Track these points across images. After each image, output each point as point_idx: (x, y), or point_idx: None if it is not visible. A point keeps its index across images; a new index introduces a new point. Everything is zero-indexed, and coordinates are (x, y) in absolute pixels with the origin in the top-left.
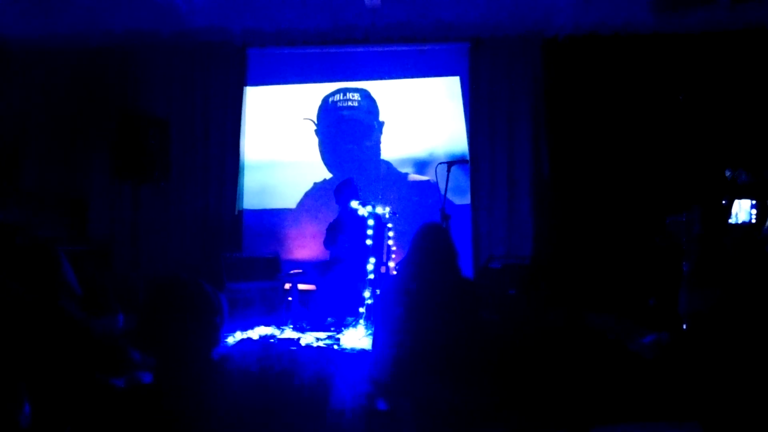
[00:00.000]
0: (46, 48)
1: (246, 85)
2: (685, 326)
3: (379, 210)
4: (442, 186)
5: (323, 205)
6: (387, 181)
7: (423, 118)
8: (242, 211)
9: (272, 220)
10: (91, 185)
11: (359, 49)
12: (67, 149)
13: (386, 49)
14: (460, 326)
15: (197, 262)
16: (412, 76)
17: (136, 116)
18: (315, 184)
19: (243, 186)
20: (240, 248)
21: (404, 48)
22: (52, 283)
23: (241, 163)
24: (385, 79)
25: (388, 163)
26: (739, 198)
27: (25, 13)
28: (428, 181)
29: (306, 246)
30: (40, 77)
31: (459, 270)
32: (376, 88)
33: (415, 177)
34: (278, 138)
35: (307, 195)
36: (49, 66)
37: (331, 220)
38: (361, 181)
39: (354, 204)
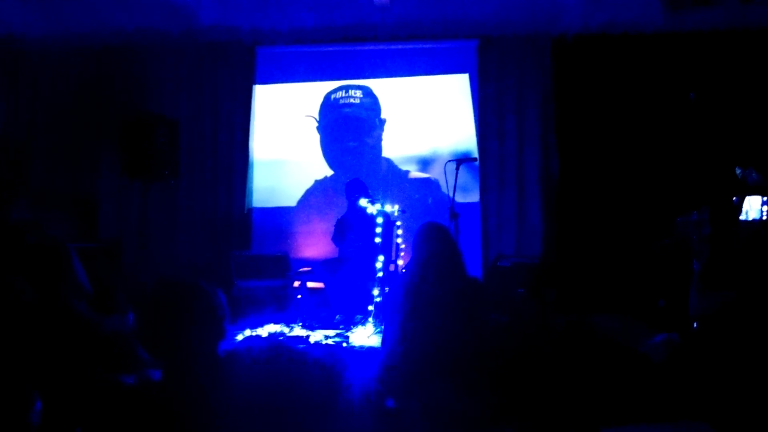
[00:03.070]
0: (55, 47)
1: (255, 84)
2: (695, 327)
3: (387, 208)
4: (450, 184)
5: (328, 203)
6: (388, 178)
7: (430, 116)
8: (251, 210)
9: (281, 218)
10: (101, 184)
11: (368, 47)
12: (76, 148)
13: (395, 46)
14: (467, 327)
15: (206, 260)
16: (421, 74)
17: (146, 115)
18: (316, 181)
19: (252, 184)
20: (249, 246)
21: (413, 45)
22: (62, 282)
23: (250, 161)
24: (393, 76)
25: (389, 161)
26: (752, 194)
27: (34, 12)
28: (429, 178)
29: (314, 244)
30: (50, 76)
31: (464, 269)
32: (385, 85)
33: (416, 174)
34: (287, 136)
35: (308, 192)
36: (58, 65)
37: (339, 217)
38: (362, 178)
39: (363, 202)
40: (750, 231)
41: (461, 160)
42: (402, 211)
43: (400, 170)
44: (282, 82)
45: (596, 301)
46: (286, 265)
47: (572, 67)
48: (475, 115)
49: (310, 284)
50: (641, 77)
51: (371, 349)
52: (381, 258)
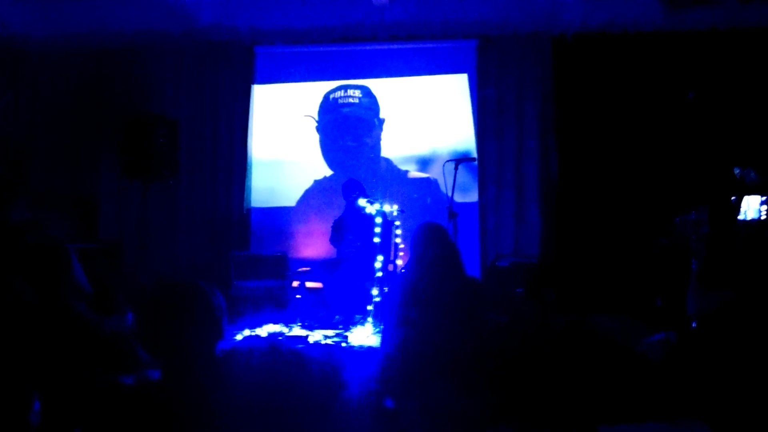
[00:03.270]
0: (56, 48)
1: (254, 84)
2: (693, 326)
3: (386, 208)
4: (449, 184)
5: (327, 203)
6: (387, 178)
7: (429, 116)
8: (250, 210)
9: (280, 218)
10: (101, 184)
11: (367, 47)
12: (76, 148)
13: (394, 46)
14: (466, 326)
15: (206, 260)
16: (420, 74)
17: (145, 115)
18: (315, 181)
19: (251, 184)
20: (248, 246)
21: (412, 46)
22: (62, 282)
23: (249, 161)
24: (392, 76)
25: (388, 160)
26: (750, 194)
27: (34, 13)
28: (428, 178)
29: (313, 244)
30: (50, 77)
31: (463, 269)
32: (384, 85)
33: (414, 174)
34: (287, 136)
35: (308, 192)
36: (58, 66)
37: (336, 218)
38: (361, 178)
39: (362, 202)
40: (748, 231)
41: (460, 159)
42: (401, 210)
43: (399, 170)
44: (281, 81)
45: (595, 301)
46: (284, 265)
47: (572, 67)
48: (474, 115)
49: (309, 284)
50: (641, 76)
51: (370, 349)
52: (380, 258)
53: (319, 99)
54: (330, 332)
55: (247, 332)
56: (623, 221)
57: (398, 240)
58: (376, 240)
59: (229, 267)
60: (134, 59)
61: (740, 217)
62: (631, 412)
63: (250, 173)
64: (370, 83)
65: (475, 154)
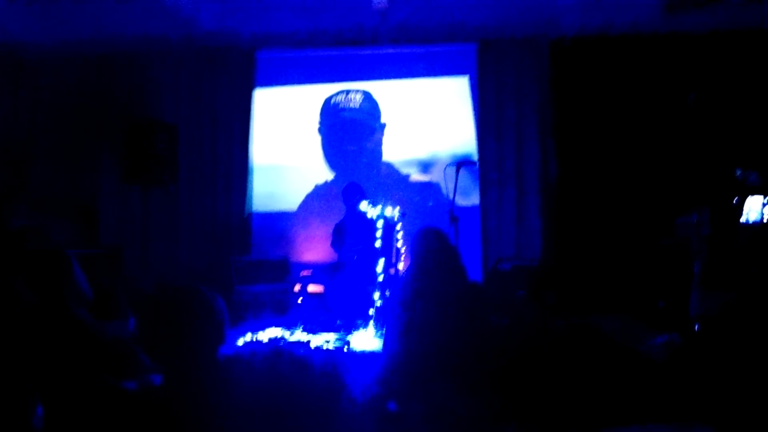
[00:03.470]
0: (55, 54)
1: (255, 88)
2: (696, 328)
3: (387, 212)
4: (450, 187)
5: (327, 207)
6: (388, 181)
7: (430, 119)
8: (251, 214)
9: (281, 222)
10: (102, 189)
11: (367, 51)
12: (76, 154)
13: (394, 50)
14: (468, 329)
15: (207, 265)
16: (420, 77)
17: (145, 120)
18: (317, 185)
19: (252, 189)
20: (249, 251)
21: (412, 49)
22: (63, 288)
23: (250, 165)
24: (393, 79)
25: (389, 164)
26: (751, 195)
27: (34, 19)
28: (429, 181)
29: (314, 248)
30: (50, 82)
31: (463, 272)
32: (385, 88)
33: (416, 178)
34: (287, 140)
35: (309, 197)
36: (58, 71)
37: (337, 222)
38: (362, 182)
39: (363, 206)
40: (750, 233)
41: (461, 163)
42: (402, 214)
43: (400, 174)
44: (282, 85)
45: (596, 303)
46: (286, 270)
47: (571, 69)
48: (475, 118)
49: (310, 288)
50: (640, 78)
51: (372, 353)
52: (381, 262)
53: (320, 102)
54: (332, 336)
55: (248, 337)
56: (624, 223)
57: (399, 244)
58: (378, 244)
59: (230, 272)
60: (134, 65)
61: (742, 219)
62: (636, 414)
63: (251, 178)
64: (371, 86)
65: (476, 157)
